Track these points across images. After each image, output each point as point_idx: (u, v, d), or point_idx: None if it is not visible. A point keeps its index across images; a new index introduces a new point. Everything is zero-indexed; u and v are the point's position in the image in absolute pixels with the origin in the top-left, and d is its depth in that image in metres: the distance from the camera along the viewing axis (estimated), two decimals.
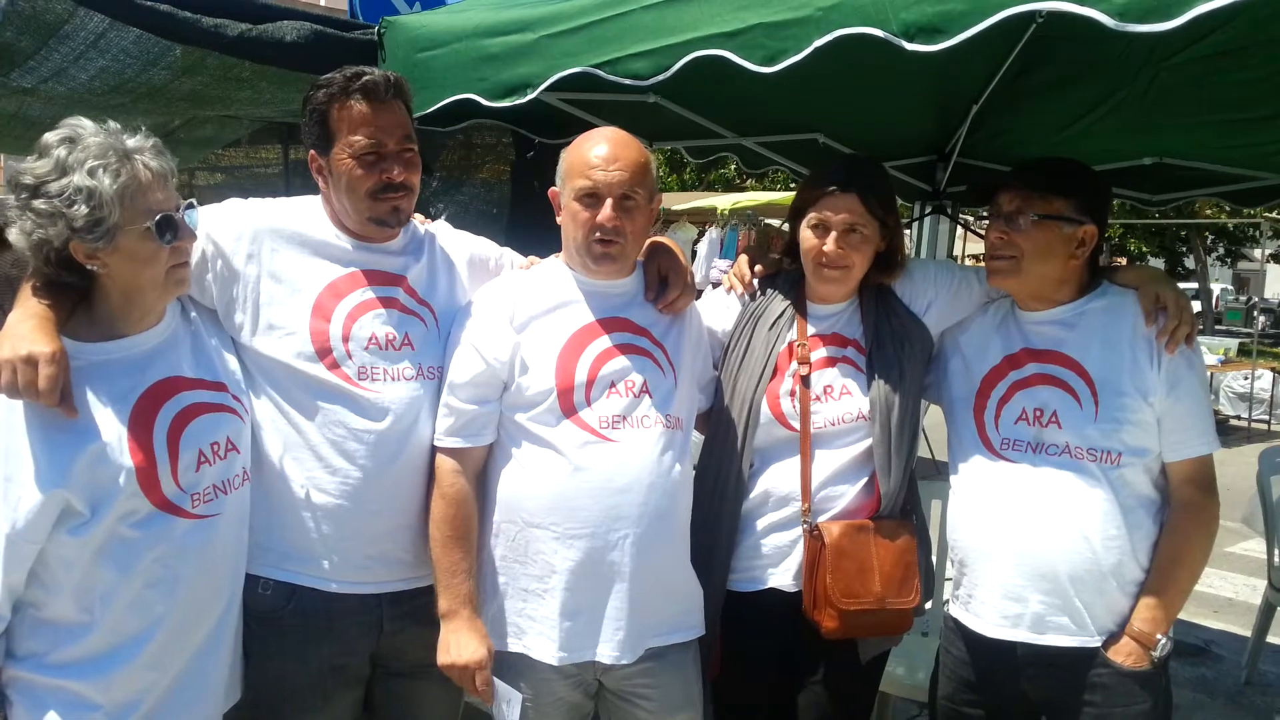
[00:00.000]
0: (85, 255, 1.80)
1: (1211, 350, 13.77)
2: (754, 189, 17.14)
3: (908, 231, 4.52)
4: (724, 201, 13.62)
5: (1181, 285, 2.34)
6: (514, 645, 2.20)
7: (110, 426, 1.82)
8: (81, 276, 1.85)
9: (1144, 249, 25.70)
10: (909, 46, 1.84)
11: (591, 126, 3.52)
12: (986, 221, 2.39)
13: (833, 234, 2.32)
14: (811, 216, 2.36)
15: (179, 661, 1.95)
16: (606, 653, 2.18)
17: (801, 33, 1.97)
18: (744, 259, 2.63)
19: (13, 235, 1.80)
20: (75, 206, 1.75)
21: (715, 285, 2.66)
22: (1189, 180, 4.35)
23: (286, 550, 2.15)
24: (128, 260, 1.83)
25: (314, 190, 2.26)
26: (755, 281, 2.56)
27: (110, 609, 1.85)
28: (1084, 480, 2.20)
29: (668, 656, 2.28)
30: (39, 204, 1.76)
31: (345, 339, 2.14)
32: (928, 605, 2.54)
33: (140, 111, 3.71)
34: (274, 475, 2.13)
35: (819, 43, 1.94)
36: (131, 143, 1.83)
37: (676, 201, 14.35)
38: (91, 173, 1.75)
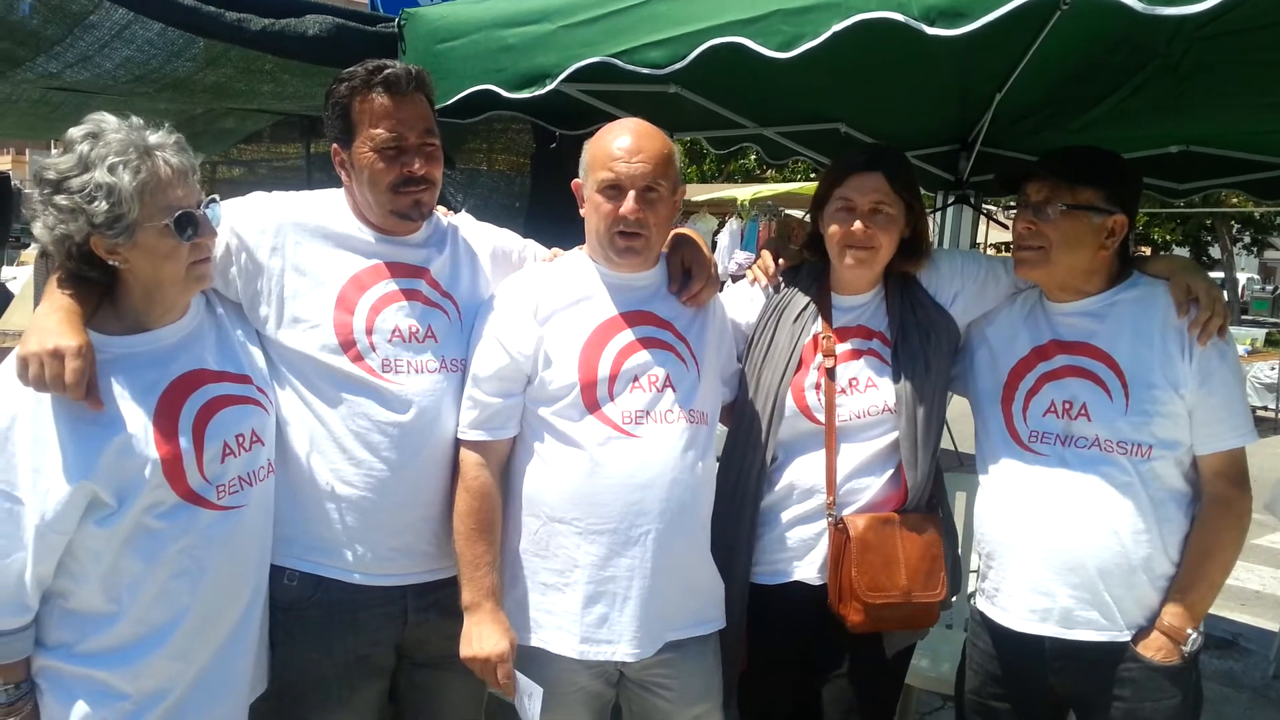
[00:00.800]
0: (106, 250, 1.82)
1: (1238, 341, 13.59)
2: (774, 179, 17.08)
3: (931, 221, 4.51)
4: (744, 192, 13.58)
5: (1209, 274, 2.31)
6: (533, 640, 2.21)
7: (136, 419, 1.84)
8: (104, 271, 1.87)
9: (1169, 238, 25.44)
10: (930, 31, 1.81)
11: (612, 117, 3.52)
12: (1010, 211, 2.36)
13: (858, 214, 2.31)
14: (836, 200, 2.35)
15: (205, 652, 1.97)
16: (626, 650, 2.18)
17: (820, 18, 1.95)
18: (767, 253, 2.62)
19: (37, 229, 1.82)
20: (96, 203, 1.76)
21: (736, 279, 2.64)
22: (1215, 169, 4.29)
23: (311, 542, 2.16)
24: (148, 256, 1.84)
25: (335, 183, 2.26)
26: (779, 274, 2.55)
27: (137, 599, 1.87)
28: (1114, 473, 2.18)
29: (688, 648, 2.28)
30: (60, 199, 1.78)
31: (369, 331, 2.14)
32: (954, 599, 2.53)
33: (163, 102, 3.73)
34: (299, 467, 2.14)
35: (838, 27, 1.92)
36: (153, 139, 1.84)
37: (697, 193, 14.33)
38: (112, 169, 1.77)
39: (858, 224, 2.30)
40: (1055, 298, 2.33)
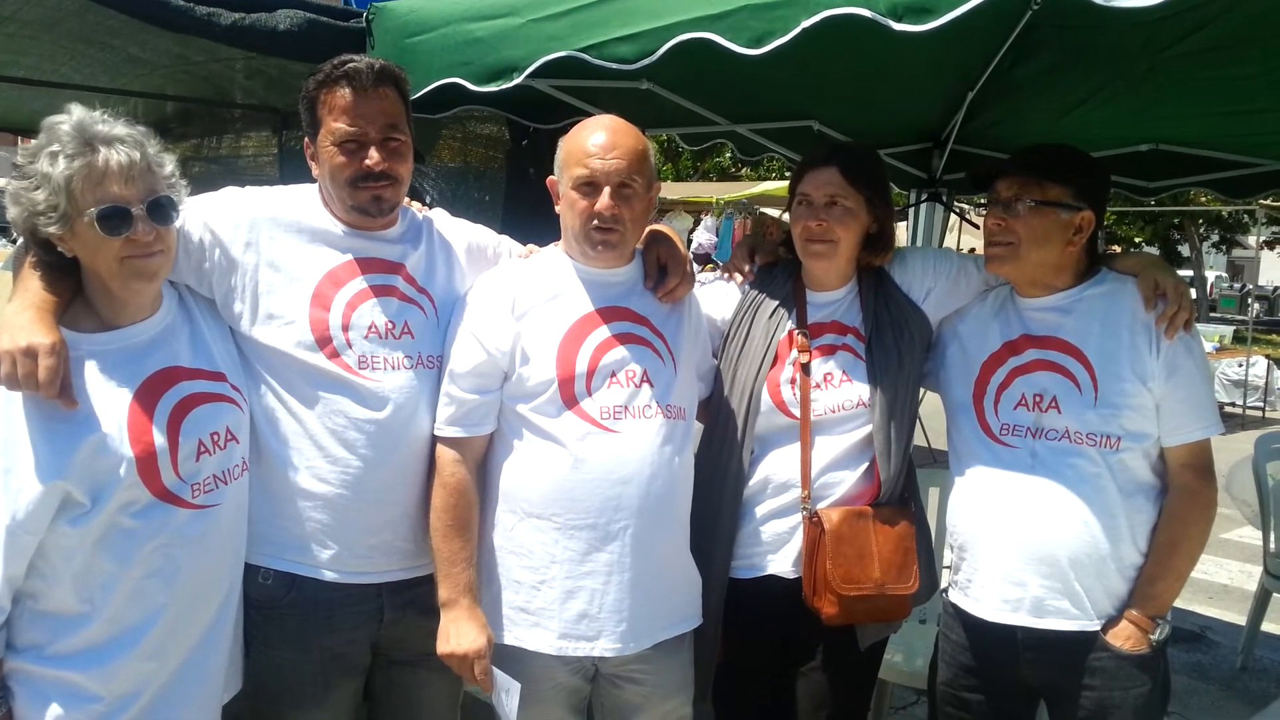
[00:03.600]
0: (54, 238, 1.81)
1: (1206, 337, 13.76)
2: (749, 178, 17.14)
3: (904, 220, 4.55)
4: (720, 191, 13.62)
5: (1178, 272, 2.35)
6: (509, 638, 2.21)
7: (110, 417, 1.82)
8: (59, 256, 1.85)
9: (1138, 237, 25.73)
10: (896, 27, 1.83)
11: (585, 113, 3.52)
12: (982, 211, 2.39)
13: (815, 209, 2.34)
14: (797, 196, 2.41)
15: (179, 652, 1.95)
16: (607, 646, 2.19)
17: (789, 14, 1.96)
18: (742, 249, 2.63)
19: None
20: (37, 191, 1.77)
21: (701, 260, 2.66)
22: (1185, 167, 4.35)
23: (287, 540, 2.15)
24: (84, 247, 1.82)
25: (308, 177, 2.25)
26: (754, 271, 2.56)
27: (110, 599, 1.85)
28: (1083, 465, 2.21)
29: (664, 644, 2.29)
30: (14, 184, 1.80)
31: (345, 328, 2.13)
32: (929, 596, 2.55)
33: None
34: (274, 465, 2.13)
35: (807, 24, 1.92)
36: (105, 131, 1.80)
37: (672, 191, 14.36)
38: (51, 158, 1.77)
39: (812, 220, 2.34)
40: (1025, 293, 2.36)
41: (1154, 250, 26.52)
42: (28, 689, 1.84)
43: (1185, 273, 24.78)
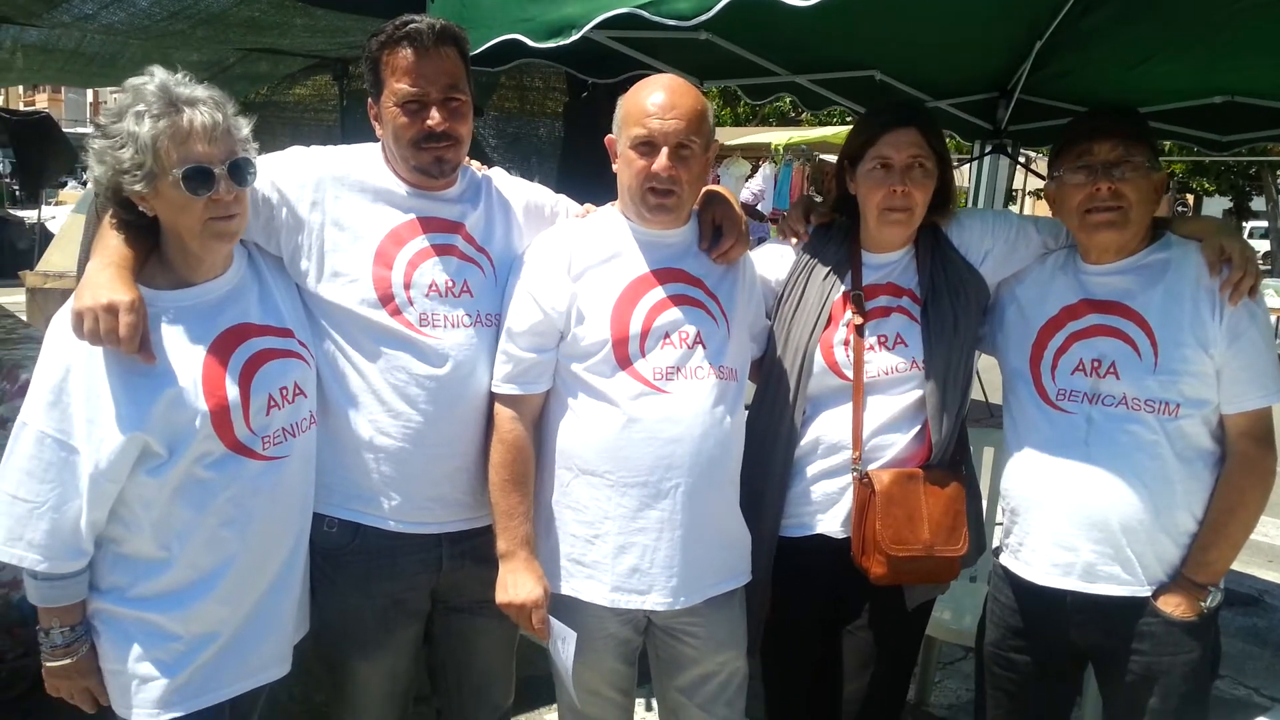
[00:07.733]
0: (135, 197, 1.87)
1: (1278, 292, 13.35)
2: (810, 122, 16.82)
3: (968, 170, 4.47)
4: (778, 137, 13.41)
5: (1251, 224, 2.29)
6: (565, 588, 2.27)
7: (186, 372, 1.89)
8: (140, 215, 1.91)
9: (1209, 188, 24.86)
10: None
11: (643, 65, 3.50)
12: (1045, 160, 2.34)
13: (896, 170, 2.30)
14: (871, 160, 2.34)
15: (252, 596, 2.04)
16: (658, 599, 2.24)
17: None
18: (797, 209, 2.62)
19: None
20: (123, 149, 1.83)
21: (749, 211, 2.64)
22: (1261, 120, 4.21)
23: (350, 491, 2.23)
24: (167, 206, 1.88)
25: (369, 124, 2.28)
26: (810, 232, 2.55)
27: (187, 546, 1.94)
28: (1140, 432, 2.19)
29: (714, 599, 2.33)
30: (98, 143, 1.86)
31: (407, 286, 2.18)
32: (978, 557, 2.55)
33: (197, 39, 3.74)
34: (339, 419, 2.20)
35: None
36: (188, 93, 1.86)
37: (730, 137, 14.16)
38: (137, 117, 1.82)
39: (897, 185, 2.30)
40: (1095, 259, 2.31)
41: (1226, 202, 25.63)
42: (111, 628, 1.96)
43: (1260, 224, 23.93)
